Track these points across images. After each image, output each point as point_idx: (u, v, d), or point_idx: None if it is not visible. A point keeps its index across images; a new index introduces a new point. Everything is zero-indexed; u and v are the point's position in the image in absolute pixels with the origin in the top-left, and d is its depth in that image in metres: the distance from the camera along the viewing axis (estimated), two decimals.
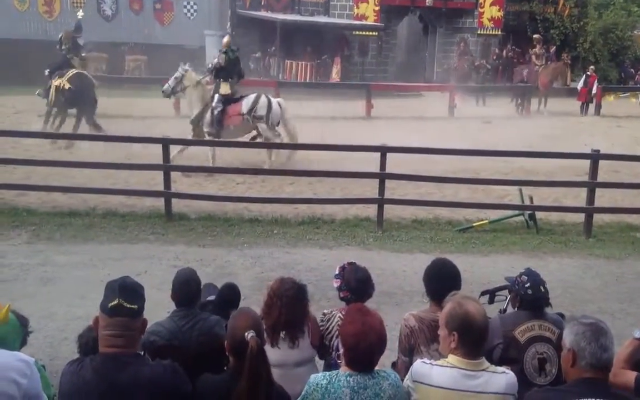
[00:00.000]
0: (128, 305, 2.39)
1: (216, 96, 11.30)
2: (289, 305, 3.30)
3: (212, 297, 4.03)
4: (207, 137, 11.09)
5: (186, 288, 3.33)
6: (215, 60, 12.00)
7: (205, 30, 24.80)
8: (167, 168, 8.42)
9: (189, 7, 25.51)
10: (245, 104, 11.23)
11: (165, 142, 8.39)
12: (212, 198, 8.98)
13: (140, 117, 14.57)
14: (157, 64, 22.41)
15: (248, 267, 6.81)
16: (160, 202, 8.60)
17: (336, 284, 3.72)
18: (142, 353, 3.16)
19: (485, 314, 2.64)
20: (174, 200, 8.61)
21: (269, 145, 10.73)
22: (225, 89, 11.43)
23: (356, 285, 3.59)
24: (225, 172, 9.84)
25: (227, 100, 11.33)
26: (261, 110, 11.16)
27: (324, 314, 3.70)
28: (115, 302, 2.37)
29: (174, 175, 9.16)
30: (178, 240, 7.53)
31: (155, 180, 9.15)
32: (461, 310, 2.60)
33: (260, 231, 8.13)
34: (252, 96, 11.46)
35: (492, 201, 9.64)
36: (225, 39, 12.59)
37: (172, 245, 7.41)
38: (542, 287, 3.38)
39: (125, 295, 2.40)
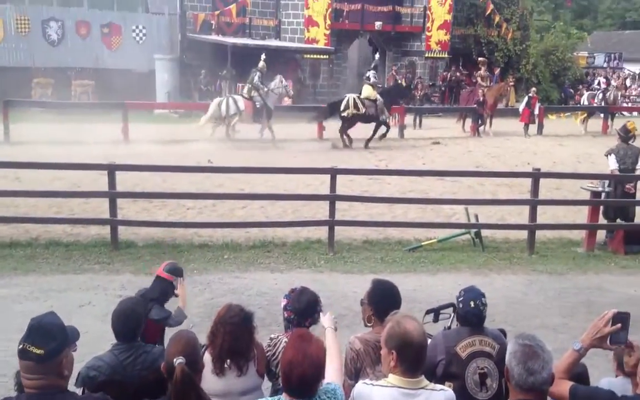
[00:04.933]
0: (34, 350, 2.28)
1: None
2: (233, 333, 3.25)
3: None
4: None
5: (124, 321, 3.25)
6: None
7: (155, 54, 24.60)
8: (112, 195, 8.24)
9: (137, 31, 25.27)
10: None
11: (111, 169, 8.23)
12: (161, 224, 8.83)
13: (88, 143, 14.23)
14: (105, 88, 22.07)
15: (197, 293, 6.71)
16: (106, 230, 8.39)
17: (283, 302, 3.72)
18: (81, 389, 3.08)
19: (424, 332, 2.69)
20: (121, 228, 8.43)
21: (219, 169, 10.64)
22: None
23: (300, 306, 3.60)
24: (175, 198, 9.71)
25: None
26: None
27: (271, 339, 3.68)
28: (21, 345, 2.29)
29: (121, 202, 9.00)
30: (124, 269, 7.35)
31: (101, 208, 8.94)
32: (399, 328, 2.64)
33: (210, 257, 8.04)
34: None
35: (440, 220, 9.84)
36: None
37: (118, 274, 7.23)
38: (472, 302, 3.39)
39: (34, 338, 2.29)
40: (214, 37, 25.13)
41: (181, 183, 10.94)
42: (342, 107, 16.94)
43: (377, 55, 21.71)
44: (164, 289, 4.37)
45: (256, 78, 17.35)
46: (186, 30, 25.65)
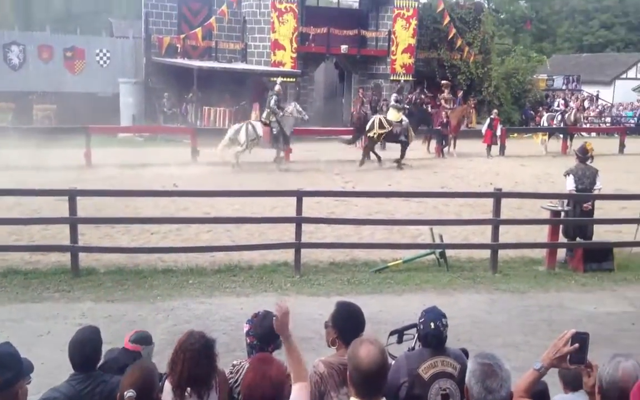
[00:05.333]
0: None
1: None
2: (192, 360, 3.18)
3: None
4: None
5: (81, 350, 3.17)
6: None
7: (120, 77, 24.42)
8: (73, 221, 8.07)
9: (101, 54, 25.07)
10: None
11: (72, 194, 8.07)
12: (123, 250, 8.68)
13: (49, 168, 13.98)
14: (68, 112, 21.78)
15: (160, 320, 6.60)
16: (66, 257, 8.19)
17: (246, 328, 3.68)
18: None
19: (380, 358, 2.65)
20: (82, 255, 8.24)
21: (184, 193, 10.57)
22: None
23: (262, 331, 3.56)
24: (139, 222, 9.58)
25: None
26: None
27: (233, 366, 3.63)
28: None
29: (83, 228, 8.83)
30: (85, 297, 7.19)
31: (62, 235, 8.75)
32: (351, 352, 2.65)
33: (174, 282, 7.91)
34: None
35: (406, 241, 9.90)
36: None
37: (79, 302, 7.06)
38: (432, 323, 3.39)
39: None
40: (179, 61, 25.07)
41: (145, 208, 10.79)
42: (367, 128, 17.91)
43: (402, 80, 22.80)
44: (130, 360, 4.13)
45: (272, 102, 17.49)
46: (151, 53, 25.54)
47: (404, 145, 18.14)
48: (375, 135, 17.84)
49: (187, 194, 10.32)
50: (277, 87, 17.92)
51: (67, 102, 22.46)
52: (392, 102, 18.79)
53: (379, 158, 18.18)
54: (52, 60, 24.08)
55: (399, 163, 17.98)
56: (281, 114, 17.40)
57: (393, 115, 18.21)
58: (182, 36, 25.91)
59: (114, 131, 21.63)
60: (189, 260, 8.70)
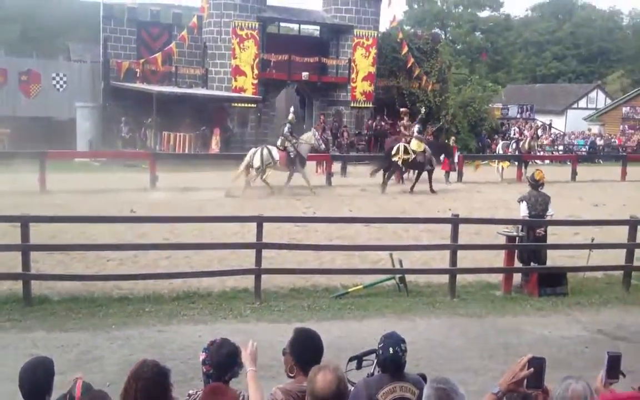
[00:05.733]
0: None
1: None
2: (144, 389, 3.12)
3: None
4: None
5: (31, 378, 3.07)
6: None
7: (77, 102, 24.02)
8: (25, 248, 7.82)
9: (58, 78, 24.64)
10: None
11: (24, 221, 7.83)
12: (77, 277, 8.43)
13: (2, 193, 13.53)
14: (22, 136, 21.25)
15: (115, 350, 6.43)
16: (18, 286, 7.92)
17: (202, 356, 3.62)
18: None
19: (336, 382, 2.68)
20: (35, 283, 7.98)
21: (142, 219, 10.40)
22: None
23: (219, 359, 3.50)
24: (94, 249, 9.34)
25: None
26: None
27: (189, 395, 3.56)
28: None
29: (37, 255, 8.56)
30: (37, 326, 6.94)
31: (14, 262, 8.45)
32: (309, 378, 2.67)
33: (130, 310, 7.72)
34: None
35: (366, 266, 9.95)
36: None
37: (30, 332, 6.81)
38: (391, 349, 3.41)
39: None
40: (138, 85, 24.85)
41: (101, 234, 10.54)
42: (392, 152, 18.75)
43: (423, 109, 23.61)
44: None
45: (286, 129, 17.93)
46: (109, 78, 25.23)
47: (430, 173, 19.05)
48: (399, 160, 18.61)
49: (145, 219, 10.14)
50: (290, 116, 18.61)
51: (22, 126, 21.93)
52: (415, 133, 19.58)
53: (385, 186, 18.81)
54: (6, 84, 23.55)
55: (431, 188, 18.75)
56: (294, 141, 17.80)
57: (416, 145, 19.05)
58: (141, 61, 25.74)
59: (70, 156, 21.17)
60: (146, 287, 8.52)
